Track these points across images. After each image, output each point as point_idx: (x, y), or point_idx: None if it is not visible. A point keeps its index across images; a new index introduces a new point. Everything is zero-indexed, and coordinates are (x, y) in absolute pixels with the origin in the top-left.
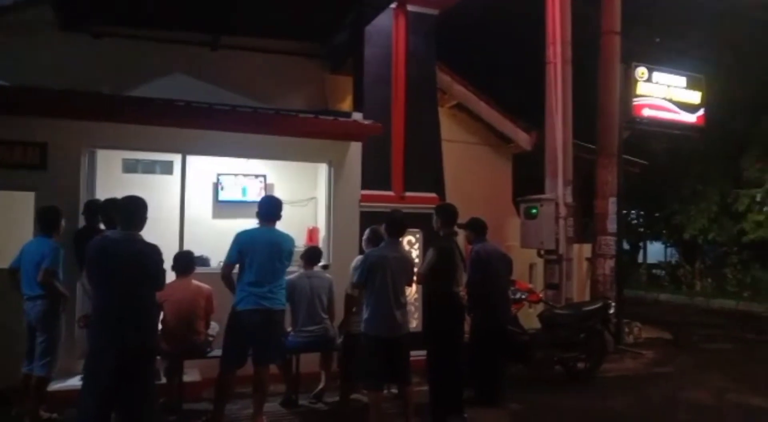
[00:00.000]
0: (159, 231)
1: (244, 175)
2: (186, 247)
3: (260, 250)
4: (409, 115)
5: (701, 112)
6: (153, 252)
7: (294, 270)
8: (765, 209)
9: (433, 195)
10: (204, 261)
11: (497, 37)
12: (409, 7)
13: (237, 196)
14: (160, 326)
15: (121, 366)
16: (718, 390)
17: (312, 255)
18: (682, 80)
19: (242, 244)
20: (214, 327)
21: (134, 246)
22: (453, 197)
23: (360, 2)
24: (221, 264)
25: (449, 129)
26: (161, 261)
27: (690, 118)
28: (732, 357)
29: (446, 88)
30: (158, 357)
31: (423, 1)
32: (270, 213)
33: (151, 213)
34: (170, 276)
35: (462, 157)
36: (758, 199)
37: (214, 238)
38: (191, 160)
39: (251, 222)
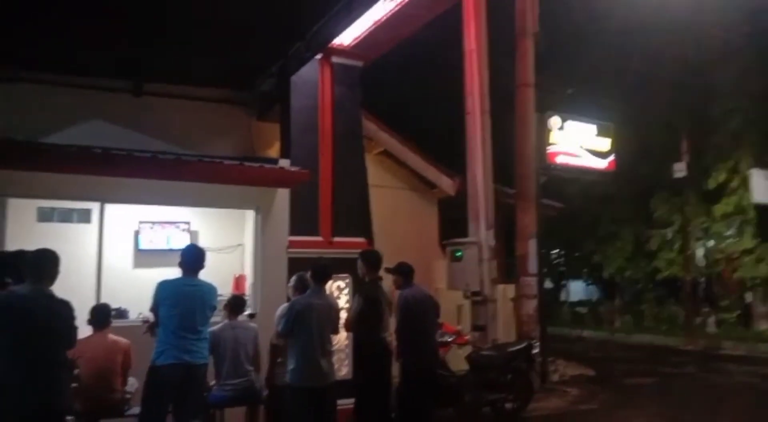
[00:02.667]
0: (75, 283)
1: (168, 223)
2: (105, 299)
3: (182, 302)
4: (337, 162)
5: (611, 158)
6: (63, 309)
7: (218, 320)
8: (675, 247)
9: (362, 239)
10: (122, 314)
11: (422, 86)
12: (334, 59)
13: (159, 245)
14: (74, 384)
15: None
16: None
17: (236, 304)
18: (592, 128)
19: (163, 295)
20: (133, 384)
21: (43, 302)
22: (381, 241)
23: (284, 54)
24: (141, 316)
25: (376, 175)
26: (72, 318)
27: (601, 164)
28: (651, 391)
29: (372, 135)
30: (71, 418)
31: (347, 54)
32: (193, 263)
33: (68, 263)
34: (86, 331)
35: (389, 202)
36: (669, 237)
37: (134, 289)
38: (110, 208)
39: (174, 272)
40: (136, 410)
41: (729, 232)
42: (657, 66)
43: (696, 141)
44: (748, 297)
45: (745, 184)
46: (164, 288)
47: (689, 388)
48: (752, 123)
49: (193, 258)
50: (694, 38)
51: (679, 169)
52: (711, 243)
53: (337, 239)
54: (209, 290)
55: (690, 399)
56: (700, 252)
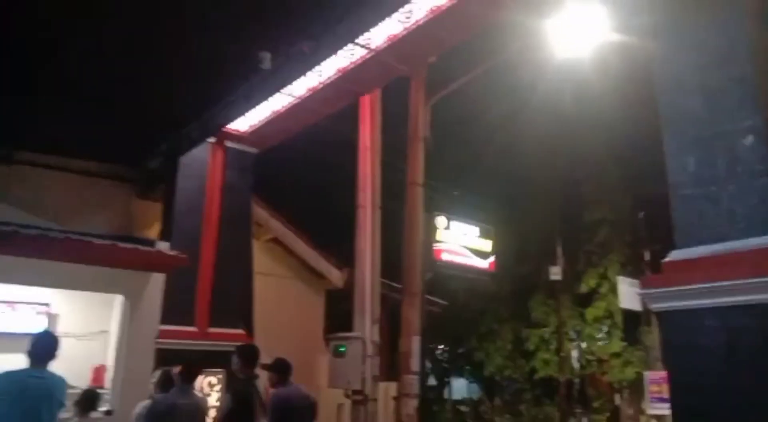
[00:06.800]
0: None
1: (23, 303)
2: None
3: (24, 398)
4: (221, 247)
5: (492, 258)
6: None
7: (68, 417)
8: (551, 348)
9: (241, 331)
10: None
11: (315, 176)
12: (228, 143)
13: (11, 328)
14: None
15: None
16: None
17: (88, 400)
18: (475, 230)
19: (3, 390)
20: None
21: None
22: (263, 332)
23: (176, 133)
24: None
25: (263, 262)
26: None
27: (482, 263)
28: None
29: (263, 221)
30: None
31: (242, 140)
32: (43, 353)
33: None
34: None
35: (275, 291)
36: (546, 337)
37: None
38: None
39: (24, 360)
40: None
41: (600, 335)
42: (536, 175)
43: (570, 246)
44: (618, 399)
45: (613, 289)
46: (5, 381)
47: None
48: (618, 233)
49: (44, 347)
50: (569, 152)
51: (555, 273)
52: (584, 345)
53: (213, 330)
54: (58, 384)
55: None
56: (574, 354)
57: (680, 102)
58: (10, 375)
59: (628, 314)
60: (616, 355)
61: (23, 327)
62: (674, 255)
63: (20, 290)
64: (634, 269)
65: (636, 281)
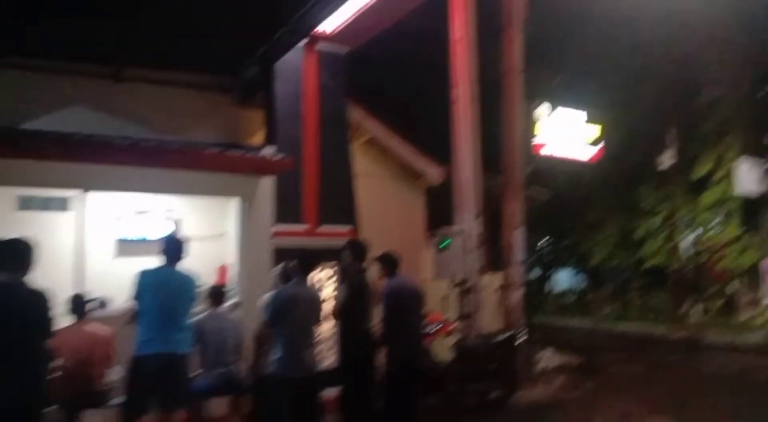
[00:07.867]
0: (56, 272)
1: (150, 211)
2: (86, 288)
3: (163, 291)
4: (322, 150)
5: (600, 145)
6: (37, 299)
7: (201, 310)
8: (661, 237)
9: (348, 228)
10: (105, 303)
11: (411, 72)
12: (319, 45)
13: (141, 234)
14: (58, 373)
15: None
16: (622, 413)
17: (217, 295)
18: (582, 115)
19: (144, 284)
20: (115, 374)
21: (15, 293)
22: (367, 231)
23: (268, 40)
24: (124, 305)
25: (362, 163)
26: (47, 309)
27: (589, 151)
28: (636, 379)
29: (359, 123)
30: (55, 406)
31: (332, 40)
32: (173, 254)
33: (48, 252)
34: (69, 321)
35: (376, 192)
36: (656, 226)
37: (115, 278)
38: (92, 195)
39: (156, 261)
40: (118, 400)
41: (715, 222)
42: (646, 54)
43: (684, 129)
44: (733, 286)
45: (730, 174)
46: (145, 277)
47: (674, 377)
48: (737, 114)
49: (173, 248)
50: (684, 26)
51: (667, 158)
52: (697, 232)
53: (322, 228)
54: (190, 280)
55: (674, 388)
56: (685, 242)
57: None
58: (150, 272)
59: (746, 199)
60: (733, 242)
61: (154, 232)
62: None
63: (147, 198)
64: (753, 152)
65: (757, 162)
